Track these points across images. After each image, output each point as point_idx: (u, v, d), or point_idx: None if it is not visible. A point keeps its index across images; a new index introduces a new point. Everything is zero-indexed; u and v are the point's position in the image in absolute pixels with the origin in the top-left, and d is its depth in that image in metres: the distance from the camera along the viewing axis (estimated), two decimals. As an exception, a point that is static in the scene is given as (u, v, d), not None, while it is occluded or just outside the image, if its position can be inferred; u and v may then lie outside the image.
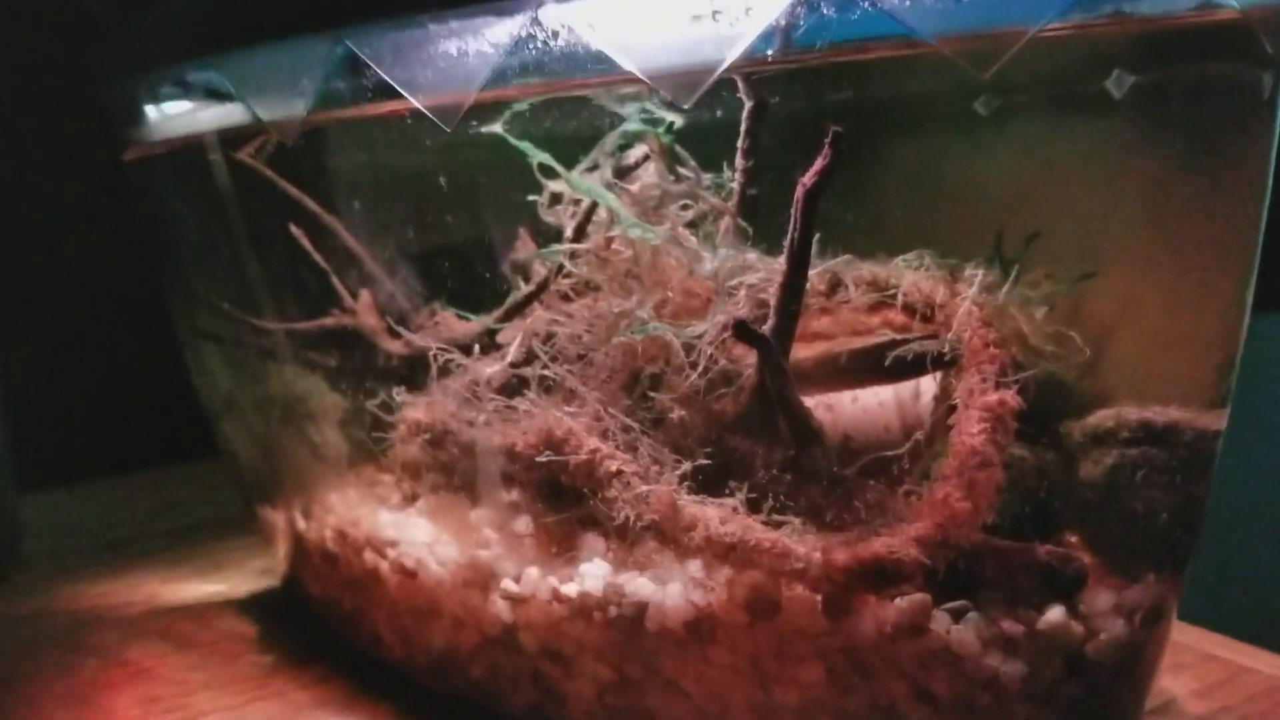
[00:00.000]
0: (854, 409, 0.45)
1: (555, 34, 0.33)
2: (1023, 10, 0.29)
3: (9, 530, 0.67)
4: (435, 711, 0.45)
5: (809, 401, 0.41)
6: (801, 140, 0.38)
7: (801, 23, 0.32)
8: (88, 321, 0.81)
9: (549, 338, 0.42)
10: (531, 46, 0.33)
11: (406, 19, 0.34)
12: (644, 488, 0.37)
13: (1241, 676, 0.44)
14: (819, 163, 0.36)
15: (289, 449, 0.49)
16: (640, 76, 0.32)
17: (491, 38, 0.33)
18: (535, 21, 0.33)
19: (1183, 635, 0.48)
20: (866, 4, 0.30)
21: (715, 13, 0.31)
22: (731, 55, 0.31)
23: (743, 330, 0.36)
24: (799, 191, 0.37)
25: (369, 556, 0.45)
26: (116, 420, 0.81)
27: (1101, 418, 0.37)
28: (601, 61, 0.32)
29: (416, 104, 0.35)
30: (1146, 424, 0.37)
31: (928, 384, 0.44)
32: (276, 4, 0.38)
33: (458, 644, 0.43)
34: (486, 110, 0.40)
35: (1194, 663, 0.46)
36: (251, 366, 0.49)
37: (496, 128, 0.41)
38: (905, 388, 0.44)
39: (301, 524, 0.49)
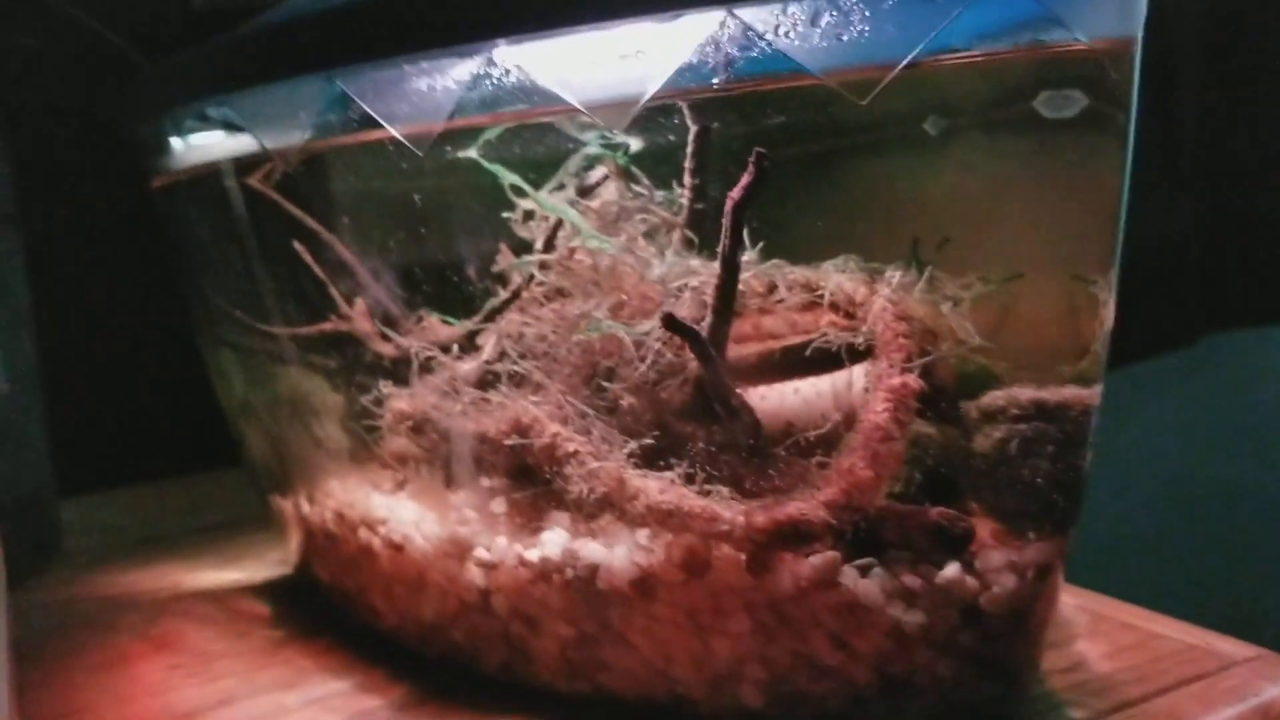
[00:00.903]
0: (796, 399, 0.50)
1: (507, 71, 0.38)
2: (894, 48, 0.34)
3: (50, 529, 0.73)
4: (422, 672, 0.50)
5: (756, 392, 0.47)
6: (742, 160, 0.43)
7: (727, 57, 0.38)
8: (125, 340, 0.87)
9: (520, 338, 0.47)
10: (488, 83, 0.39)
11: (384, 60, 0.40)
12: (595, 464, 0.43)
13: (1151, 642, 0.49)
14: (745, 179, 0.42)
15: (295, 442, 0.55)
16: (578, 107, 0.37)
17: (455, 75, 0.39)
18: (490, 61, 0.38)
19: (1104, 608, 0.53)
20: (764, 44, 0.35)
21: (639, 52, 0.36)
22: (653, 87, 0.36)
23: (671, 322, 0.41)
24: (728, 204, 0.42)
25: (363, 534, 0.50)
26: (150, 431, 0.88)
27: (994, 397, 0.42)
28: (548, 94, 0.38)
29: (394, 132, 0.41)
30: (1039, 402, 0.42)
31: (860, 375, 0.49)
32: (277, 49, 0.44)
33: (441, 610, 0.48)
34: (461, 137, 0.46)
35: (1110, 630, 0.50)
36: (262, 370, 0.56)
37: (471, 153, 0.47)
38: (840, 378, 0.49)
39: (306, 508, 0.54)
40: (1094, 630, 0.50)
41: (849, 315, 0.46)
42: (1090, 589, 0.55)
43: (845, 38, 0.35)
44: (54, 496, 0.74)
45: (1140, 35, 0.38)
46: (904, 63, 0.34)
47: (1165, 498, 1.03)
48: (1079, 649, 0.49)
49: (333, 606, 0.58)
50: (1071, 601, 0.53)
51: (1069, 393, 0.43)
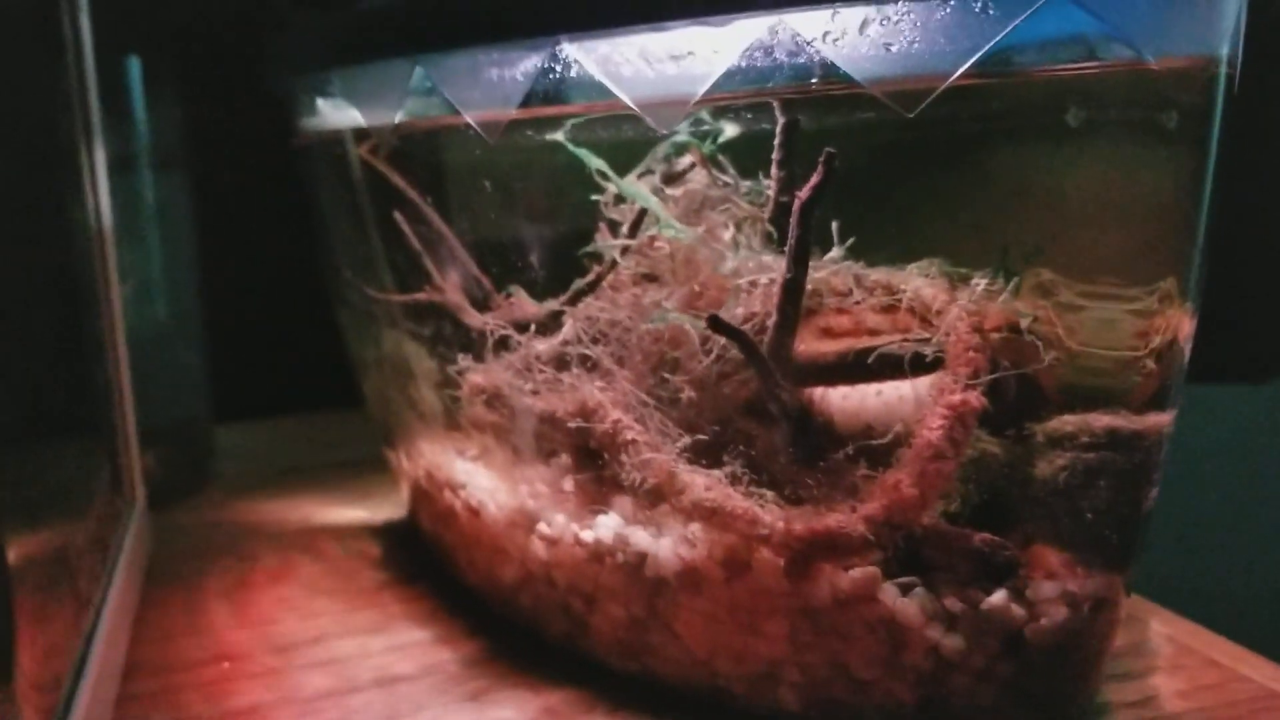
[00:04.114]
0: (877, 401, 0.49)
1: (568, 66, 0.39)
2: (942, 61, 0.33)
3: (204, 453, 0.79)
4: (495, 632, 0.52)
5: (837, 392, 0.46)
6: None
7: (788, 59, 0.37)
8: (279, 278, 0.92)
9: (594, 322, 0.48)
10: (552, 75, 0.39)
11: (462, 48, 0.41)
12: (649, 454, 0.43)
13: (1233, 683, 0.46)
14: (814, 179, 0.41)
15: (396, 401, 0.58)
16: (630, 105, 0.37)
17: (522, 67, 0.40)
18: (554, 56, 0.39)
19: (1194, 640, 0.50)
20: (812, 50, 0.34)
21: (689, 53, 0.36)
22: (702, 88, 0.36)
23: (716, 323, 0.41)
24: (795, 204, 0.41)
25: (448, 495, 0.52)
26: (298, 366, 0.93)
27: (1062, 421, 0.40)
28: (605, 91, 0.38)
29: (468, 118, 0.42)
30: (1113, 430, 0.40)
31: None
32: (376, 31, 0.45)
33: (511, 576, 0.50)
34: (547, 120, 0.46)
35: (1194, 665, 0.48)
36: (372, 330, 0.58)
37: (559, 136, 0.47)
38: (921, 383, 0.48)
39: (406, 464, 0.57)
40: (1176, 664, 0.48)
41: (925, 322, 0.44)
42: (1189, 616, 0.52)
43: (894, 48, 0.33)
44: (209, 423, 0.80)
45: (1226, 53, 0.35)
46: (952, 77, 0.33)
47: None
48: (1154, 683, 0.46)
49: (431, 554, 0.61)
50: (1162, 630, 0.51)
51: (1147, 421, 0.40)
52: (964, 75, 0.33)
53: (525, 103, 0.40)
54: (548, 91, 0.40)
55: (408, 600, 0.57)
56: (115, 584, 0.53)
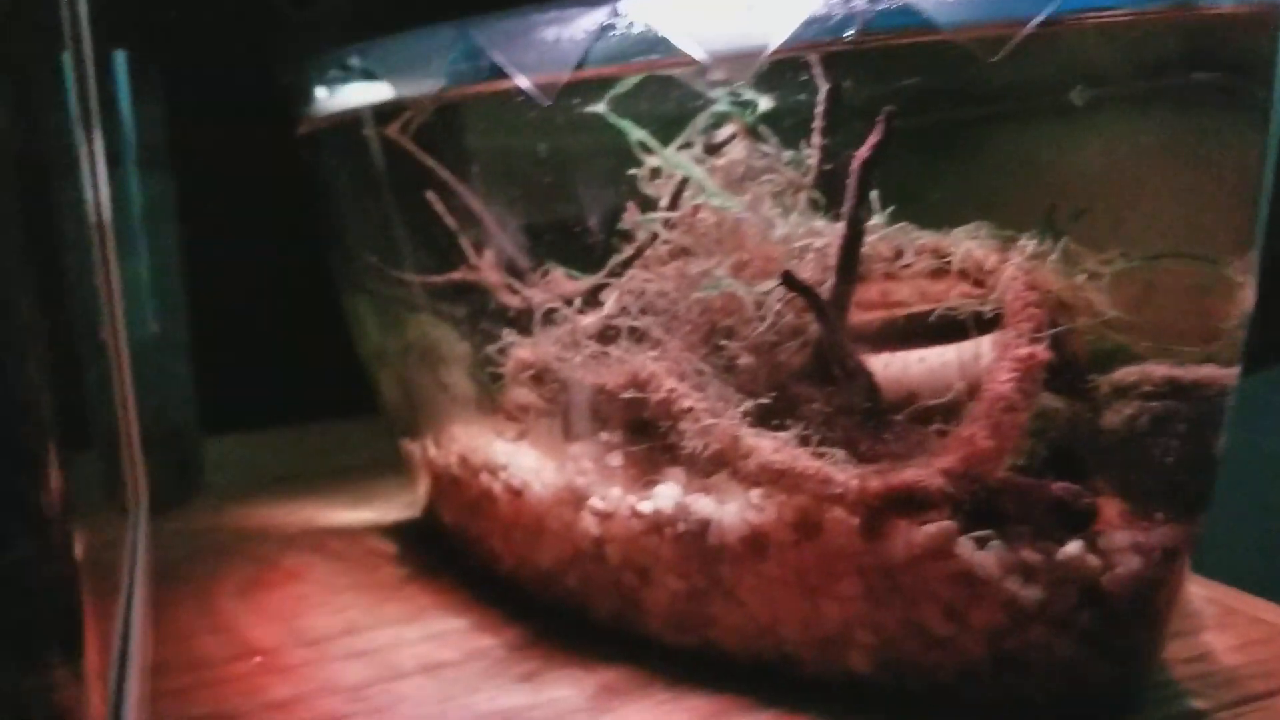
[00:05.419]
0: (920, 368, 0.49)
1: (632, 23, 0.38)
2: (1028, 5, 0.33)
3: (193, 462, 0.77)
4: (537, 616, 0.51)
5: (879, 359, 0.46)
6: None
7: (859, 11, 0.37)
8: (268, 287, 0.91)
9: (641, 294, 0.47)
10: (614, 33, 0.39)
11: (514, 10, 0.41)
12: (710, 421, 0.43)
13: (1280, 638, 0.47)
14: (872, 137, 0.41)
15: (424, 388, 0.56)
16: (701, 58, 0.37)
17: (582, 25, 0.39)
18: (615, 12, 0.38)
19: (1236, 601, 0.51)
20: (893, -3, 0.34)
21: (760, 3, 0.36)
22: (777, 40, 0.36)
23: (790, 280, 0.41)
24: (854, 163, 0.41)
25: (485, 479, 0.51)
26: (289, 378, 0.91)
27: (1126, 373, 0.41)
28: (672, 46, 0.38)
29: (522, 82, 0.41)
30: (1173, 379, 0.40)
31: (988, 347, 0.47)
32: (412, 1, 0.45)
33: (556, 556, 0.49)
34: (589, 91, 0.46)
35: (1240, 623, 0.48)
36: (395, 316, 0.57)
37: (600, 108, 0.47)
38: (966, 349, 0.48)
39: (433, 452, 0.56)
40: (1223, 623, 0.48)
41: (978, 283, 0.44)
42: (1225, 583, 0.52)
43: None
44: (197, 432, 0.77)
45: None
46: (1038, 19, 0.33)
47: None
48: (1206, 640, 0.47)
49: (454, 549, 0.59)
50: (1202, 593, 0.51)
51: (1204, 372, 0.41)
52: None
53: (580, 64, 0.40)
54: (608, 51, 0.39)
55: (436, 592, 0.56)
56: (138, 583, 0.51)
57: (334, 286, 0.66)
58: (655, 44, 0.38)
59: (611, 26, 0.38)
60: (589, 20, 0.39)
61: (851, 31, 0.35)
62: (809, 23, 0.35)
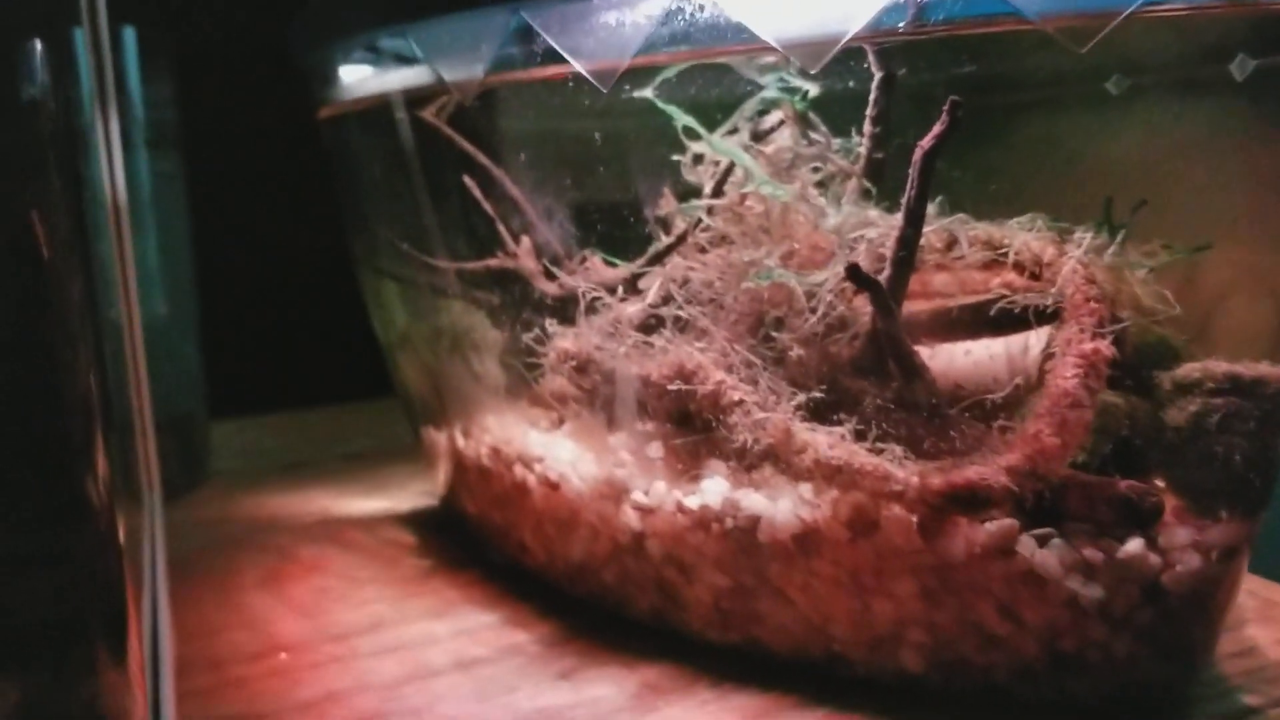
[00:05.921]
0: (965, 361, 0.48)
1: (701, 6, 0.37)
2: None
3: (201, 448, 0.75)
4: (570, 611, 0.50)
5: (924, 351, 0.45)
6: (926, 111, 0.42)
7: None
8: (279, 270, 0.89)
9: (685, 283, 0.46)
10: (680, 18, 0.38)
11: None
12: (762, 415, 0.42)
13: (1326, 631, 0.47)
14: (937, 127, 0.40)
15: (453, 376, 0.55)
16: (773, 44, 0.36)
17: (646, 9, 0.38)
18: (683, -4, 0.37)
19: (1274, 594, 0.50)
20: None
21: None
22: (855, 27, 0.35)
23: (855, 273, 0.40)
24: (917, 153, 0.41)
25: (518, 470, 0.50)
26: (299, 361, 0.90)
27: (1189, 369, 0.40)
28: (741, 32, 0.37)
29: (579, 68, 0.40)
30: (1234, 376, 0.40)
31: (1035, 340, 0.47)
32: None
33: (592, 551, 0.48)
34: (638, 77, 0.45)
35: (1282, 618, 0.48)
36: (423, 302, 0.56)
37: (647, 93, 0.46)
38: (1015, 342, 0.47)
39: (461, 442, 0.55)
40: (1265, 616, 0.48)
41: (1034, 276, 0.44)
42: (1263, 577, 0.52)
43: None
44: (206, 417, 0.76)
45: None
46: (1130, 9, 0.32)
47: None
48: (1250, 634, 0.47)
49: (475, 540, 0.58)
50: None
51: (1265, 369, 0.40)
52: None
53: (642, 50, 0.39)
54: (673, 36, 0.38)
55: (462, 586, 0.55)
56: (160, 576, 0.50)
57: (343, 269, 0.65)
58: (724, 30, 0.37)
59: (680, 11, 0.37)
60: (654, 4, 0.38)
61: (936, 19, 0.34)
62: (889, 10, 0.34)
